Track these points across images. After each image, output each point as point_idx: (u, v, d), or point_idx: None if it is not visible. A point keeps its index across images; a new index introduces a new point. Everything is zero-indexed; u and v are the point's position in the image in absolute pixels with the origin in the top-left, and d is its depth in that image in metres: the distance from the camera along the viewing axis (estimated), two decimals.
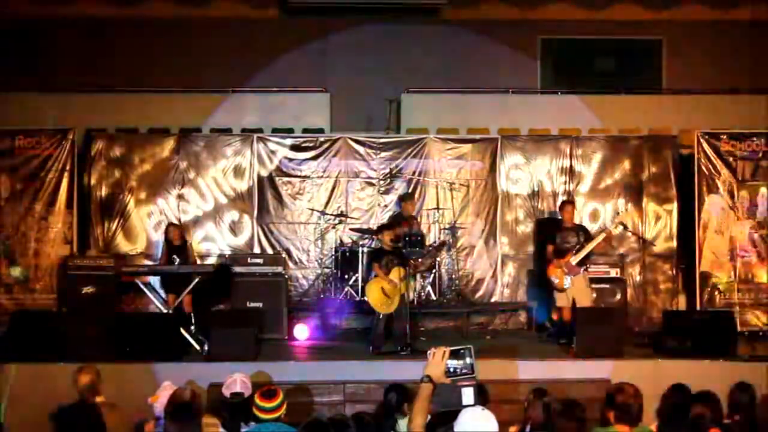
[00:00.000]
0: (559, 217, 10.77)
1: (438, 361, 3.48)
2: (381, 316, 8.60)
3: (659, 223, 10.87)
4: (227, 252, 10.63)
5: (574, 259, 8.89)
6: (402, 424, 5.13)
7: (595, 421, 4.73)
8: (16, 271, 10.12)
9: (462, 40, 12.94)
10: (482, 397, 3.75)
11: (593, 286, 9.28)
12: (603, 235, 9.08)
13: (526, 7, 13.05)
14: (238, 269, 9.55)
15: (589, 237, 9.10)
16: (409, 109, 12.15)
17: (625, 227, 9.57)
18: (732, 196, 10.44)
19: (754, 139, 10.54)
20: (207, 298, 9.40)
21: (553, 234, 9.30)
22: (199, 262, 10.29)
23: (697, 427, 4.25)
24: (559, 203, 10.07)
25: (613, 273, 10.11)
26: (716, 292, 10.36)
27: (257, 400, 4.80)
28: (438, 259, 10.32)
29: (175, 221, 10.43)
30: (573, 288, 8.92)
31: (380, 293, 8.54)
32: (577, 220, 9.63)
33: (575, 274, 8.91)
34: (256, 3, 12.97)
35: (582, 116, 11.87)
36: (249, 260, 9.73)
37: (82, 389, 5.22)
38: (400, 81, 12.39)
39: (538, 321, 10.10)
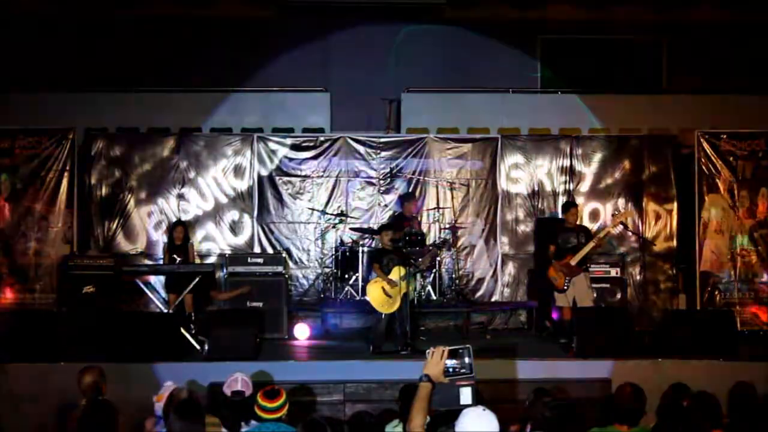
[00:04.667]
0: (559, 217, 10.80)
1: (437, 361, 3.48)
2: (382, 316, 8.59)
3: (659, 222, 10.86)
4: (227, 252, 10.62)
5: (573, 261, 8.90)
6: None
7: (595, 421, 4.73)
8: None
9: (462, 40, 12.92)
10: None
11: (593, 285, 9.29)
12: (602, 233, 9.11)
13: (526, 7, 13.03)
14: (238, 269, 9.55)
15: (589, 238, 9.10)
16: (409, 108, 12.13)
17: (626, 227, 9.55)
18: (732, 196, 10.44)
19: (755, 139, 10.54)
20: (206, 299, 9.39)
21: (554, 234, 9.30)
22: (198, 261, 10.27)
23: (695, 427, 4.25)
24: (562, 204, 10.05)
25: (613, 273, 10.08)
26: (716, 292, 10.36)
27: (260, 400, 4.79)
28: (438, 258, 10.31)
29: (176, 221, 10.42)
30: (574, 288, 8.92)
31: (381, 293, 8.53)
32: (578, 220, 9.61)
33: (576, 275, 8.92)
34: (256, 3, 12.94)
35: (582, 116, 11.86)
36: (249, 260, 9.74)
37: (85, 389, 5.22)
38: (400, 81, 12.38)
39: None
